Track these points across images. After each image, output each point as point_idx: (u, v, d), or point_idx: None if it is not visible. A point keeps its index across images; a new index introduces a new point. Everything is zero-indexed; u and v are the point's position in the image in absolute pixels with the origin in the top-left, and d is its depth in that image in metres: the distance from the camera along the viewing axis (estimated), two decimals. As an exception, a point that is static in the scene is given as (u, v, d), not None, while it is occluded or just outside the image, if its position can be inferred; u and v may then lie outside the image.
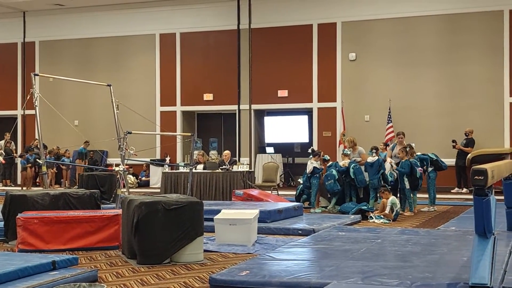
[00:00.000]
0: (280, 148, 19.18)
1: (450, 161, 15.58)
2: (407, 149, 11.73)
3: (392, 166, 11.86)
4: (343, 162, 12.27)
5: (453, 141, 16.20)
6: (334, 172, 11.82)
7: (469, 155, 15.84)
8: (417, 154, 12.07)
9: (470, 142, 16.26)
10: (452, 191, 16.15)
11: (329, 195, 12.25)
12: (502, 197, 8.08)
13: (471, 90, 16.86)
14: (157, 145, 19.38)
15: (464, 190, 15.98)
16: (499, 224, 8.48)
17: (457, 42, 17.03)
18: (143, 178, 19.81)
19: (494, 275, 5.08)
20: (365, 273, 5.68)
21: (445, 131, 16.72)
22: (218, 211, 8.50)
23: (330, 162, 12.39)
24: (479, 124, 16.62)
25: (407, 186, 11.52)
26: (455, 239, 7.86)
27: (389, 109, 17.18)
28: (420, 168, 11.71)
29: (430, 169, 12.04)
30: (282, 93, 18.74)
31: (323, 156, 12.50)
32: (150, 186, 19.13)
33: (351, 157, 12.38)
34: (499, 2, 16.59)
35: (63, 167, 19.14)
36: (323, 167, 12.28)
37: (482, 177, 4.90)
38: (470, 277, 4.88)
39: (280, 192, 15.08)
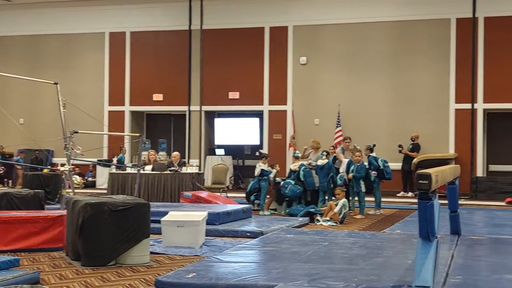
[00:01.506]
0: (231, 150, 19.16)
1: (396, 165, 15.88)
2: (357, 152, 11.92)
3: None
4: (293, 165, 12.34)
5: (400, 146, 16.49)
6: (289, 180, 11.93)
7: (415, 159, 16.15)
8: (371, 155, 12.26)
9: (415, 147, 16.58)
10: (397, 194, 16.42)
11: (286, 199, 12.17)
12: (446, 201, 8.24)
13: (419, 96, 17.19)
14: (104, 145, 19.09)
15: (410, 194, 16.28)
16: (443, 227, 8.66)
17: (405, 49, 17.35)
18: (90, 179, 19.48)
19: (437, 278, 5.18)
20: (311, 275, 5.70)
21: (392, 136, 16.99)
22: (166, 213, 8.41)
23: (301, 162, 12.38)
24: (425, 129, 16.96)
25: (363, 189, 11.70)
26: (400, 242, 7.98)
27: (338, 113, 17.36)
28: (374, 172, 11.92)
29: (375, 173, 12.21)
30: (233, 95, 18.74)
31: (294, 152, 12.56)
32: (97, 187, 18.82)
33: (314, 159, 12.50)
34: (446, 10, 16.98)
35: (19, 167, 18.51)
36: (271, 169, 12.32)
37: (427, 182, 4.97)
38: (413, 279, 4.95)
39: (229, 194, 15.05)
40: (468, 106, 16.83)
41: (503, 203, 14.89)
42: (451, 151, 16.86)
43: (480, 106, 16.78)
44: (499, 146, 17.11)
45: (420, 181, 4.99)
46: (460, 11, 16.87)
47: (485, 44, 16.72)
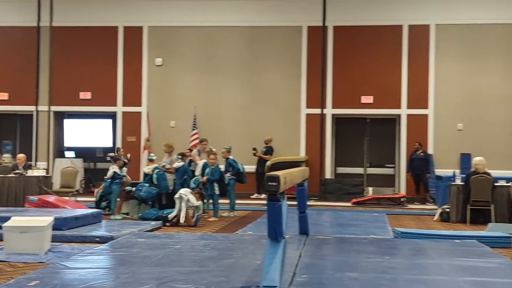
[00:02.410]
0: (82, 153, 18.50)
1: (250, 167, 16.15)
2: (213, 154, 11.97)
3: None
4: (147, 168, 12.14)
5: (254, 148, 16.80)
6: (143, 183, 11.71)
7: (268, 162, 16.52)
8: (230, 157, 12.36)
9: (269, 150, 16.99)
10: (251, 196, 16.72)
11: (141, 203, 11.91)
12: (296, 202, 8.49)
13: (272, 100, 17.62)
14: None
15: (263, 195, 16.63)
16: (292, 228, 8.91)
17: (260, 54, 17.72)
18: None
19: (284, 277, 5.30)
20: (161, 279, 5.63)
21: (247, 139, 17.26)
22: (8, 218, 7.93)
23: (155, 165, 12.12)
24: (278, 132, 17.43)
25: (217, 192, 11.75)
26: (251, 243, 8.11)
27: (195, 116, 17.36)
28: (228, 174, 12.01)
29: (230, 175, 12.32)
30: (85, 95, 18.12)
31: (149, 155, 12.28)
32: None
33: (168, 162, 12.33)
34: (298, 18, 17.56)
35: None
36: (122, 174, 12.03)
37: (275, 184, 5.06)
38: (261, 279, 5.02)
39: (79, 199, 14.50)
40: (318, 111, 17.51)
41: (349, 204, 15.65)
42: (302, 154, 17.45)
43: (329, 111, 17.52)
44: (346, 149, 17.98)
45: (269, 183, 5.07)
46: (311, 19, 17.53)
47: (334, 52, 17.50)
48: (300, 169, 8.10)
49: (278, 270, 5.05)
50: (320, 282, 5.60)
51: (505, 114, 16.72)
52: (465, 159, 16.23)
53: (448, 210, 12.33)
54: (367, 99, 17.29)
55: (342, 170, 17.96)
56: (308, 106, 17.54)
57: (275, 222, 5.18)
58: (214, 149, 12.46)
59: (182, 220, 10.50)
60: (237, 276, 5.83)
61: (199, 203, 10.84)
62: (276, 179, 5.06)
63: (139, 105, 18.00)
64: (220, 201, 12.10)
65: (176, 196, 10.77)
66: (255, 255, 6.96)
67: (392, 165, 17.77)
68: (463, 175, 12.69)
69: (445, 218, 12.26)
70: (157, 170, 11.82)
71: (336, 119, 17.87)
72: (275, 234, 5.21)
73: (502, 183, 12.23)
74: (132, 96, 18.00)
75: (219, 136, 16.78)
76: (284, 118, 17.59)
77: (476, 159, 12.35)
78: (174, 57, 17.95)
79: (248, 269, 6.22)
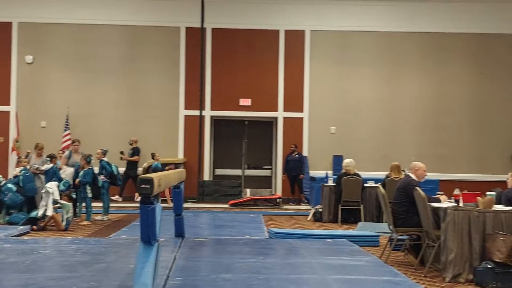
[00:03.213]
0: None
1: (121, 170, 15.84)
2: (87, 159, 11.60)
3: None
4: (16, 169, 11.58)
5: (121, 152, 16.28)
6: (10, 185, 11.07)
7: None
8: (104, 159, 12.05)
9: (136, 151, 16.64)
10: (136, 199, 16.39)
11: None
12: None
13: (151, 101, 17.39)
14: None
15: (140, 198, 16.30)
16: (168, 230, 8.84)
17: (138, 54, 17.42)
18: None
19: (157, 281, 5.22)
20: (28, 286, 5.41)
21: (123, 140, 16.86)
22: None
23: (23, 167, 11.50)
24: (157, 134, 17.24)
25: (90, 195, 11.39)
26: (125, 247, 7.94)
27: (67, 116, 16.77)
28: (102, 177, 11.69)
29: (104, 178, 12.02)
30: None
31: (87, 157, 11.67)
32: None
33: (39, 164, 11.80)
34: (177, 19, 17.46)
35: None
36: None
37: (148, 186, 4.97)
38: (133, 284, 4.92)
39: None
40: (196, 112, 17.49)
41: (227, 205, 15.76)
42: (181, 156, 17.36)
43: (208, 113, 17.55)
44: (224, 151, 18.09)
45: (142, 186, 4.98)
46: (190, 20, 17.48)
47: (212, 54, 17.56)
48: (176, 171, 8.05)
49: (150, 274, 4.96)
50: (193, 284, 5.58)
51: (375, 118, 17.52)
52: (338, 161, 16.83)
53: (321, 210, 12.74)
54: (245, 101, 17.51)
55: (220, 172, 18.05)
56: (186, 108, 17.48)
57: (148, 225, 5.08)
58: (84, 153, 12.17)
59: (49, 213, 10.15)
60: (109, 281, 5.69)
61: (69, 204, 10.51)
62: (150, 181, 4.97)
63: (7, 104, 17.12)
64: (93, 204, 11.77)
65: (43, 190, 10.44)
66: (129, 259, 6.82)
67: (269, 167, 18.10)
68: (335, 177, 13.16)
69: (318, 218, 12.66)
70: (23, 171, 11.29)
71: (215, 121, 17.95)
72: (148, 237, 5.12)
73: (371, 184, 12.80)
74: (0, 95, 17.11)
75: (93, 137, 16.33)
76: (162, 119, 17.42)
77: (346, 161, 12.85)
78: (46, 54, 17.25)
79: (120, 273, 6.08)
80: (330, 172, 15.54)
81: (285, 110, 17.53)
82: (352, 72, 17.59)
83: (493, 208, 6.68)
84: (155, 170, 14.40)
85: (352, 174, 12.44)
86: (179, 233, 8.61)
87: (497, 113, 17.50)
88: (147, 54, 17.46)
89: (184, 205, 10.71)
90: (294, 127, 17.50)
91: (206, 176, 17.50)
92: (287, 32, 17.58)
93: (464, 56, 17.55)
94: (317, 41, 17.58)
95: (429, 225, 6.98)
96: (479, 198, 6.80)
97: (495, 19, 17.45)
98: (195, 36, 17.50)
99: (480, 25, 17.46)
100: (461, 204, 6.88)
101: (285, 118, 17.55)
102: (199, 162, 17.42)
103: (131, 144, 16.62)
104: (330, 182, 13.04)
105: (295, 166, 16.68)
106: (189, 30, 17.52)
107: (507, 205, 7.04)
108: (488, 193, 6.98)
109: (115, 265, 6.59)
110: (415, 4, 17.48)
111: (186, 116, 17.48)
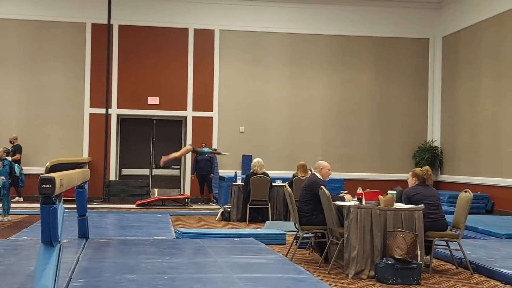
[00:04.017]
0: None
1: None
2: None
3: None
4: None
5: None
6: None
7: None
8: (7, 158, 11.60)
9: (17, 149, 16.05)
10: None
11: None
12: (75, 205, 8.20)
13: (54, 98, 16.86)
14: None
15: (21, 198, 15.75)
16: (72, 231, 8.61)
17: (41, 50, 16.87)
18: None
19: (59, 283, 5.06)
20: None
21: (26, 139, 16.32)
22: None
23: None
24: (60, 132, 16.76)
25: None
26: (26, 248, 7.66)
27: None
28: (2, 178, 11.25)
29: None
30: None
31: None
32: None
33: None
34: (82, 14, 17.01)
35: None
36: None
37: (50, 186, 4.82)
38: (33, 286, 4.75)
39: None
40: (102, 111, 17.12)
41: (134, 206, 15.52)
42: (85, 155, 16.93)
43: (114, 111, 17.22)
44: (131, 150, 17.81)
45: (43, 186, 4.82)
46: (96, 16, 17.10)
47: (119, 51, 17.24)
48: (79, 171, 7.82)
49: (51, 275, 4.81)
50: (96, 286, 5.46)
51: (282, 118, 17.77)
52: (247, 160, 16.96)
53: (229, 209, 12.78)
54: (153, 100, 17.31)
55: (127, 171, 17.75)
56: (92, 106, 17.08)
57: (49, 226, 4.93)
58: None
59: None
60: (8, 284, 5.47)
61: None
62: (51, 181, 4.82)
63: None
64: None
65: None
66: (29, 261, 6.57)
67: (178, 167, 17.98)
68: (244, 176, 13.25)
69: (226, 217, 12.70)
70: None
71: (122, 119, 17.63)
72: (50, 238, 4.96)
73: (278, 183, 12.97)
74: None
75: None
76: (66, 117, 16.93)
77: (254, 161, 12.97)
78: None
79: (20, 276, 5.86)
80: (239, 172, 15.63)
81: (194, 109, 17.48)
82: (261, 73, 17.76)
83: (394, 206, 6.93)
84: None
85: (260, 174, 12.56)
86: (83, 234, 8.40)
87: (398, 114, 18.18)
88: (51, 50, 16.93)
89: (89, 206, 10.47)
90: (203, 126, 17.47)
91: (112, 176, 17.17)
92: (197, 31, 17.53)
93: (367, 59, 18.13)
94: (226, 41, 17.62)
95: (333, 223, 7.15)
96: (380, 196, 7.03)
97: (396, 23, 18.14)
98: (102, 32, 17.13)
99: (382, 29, 18.10)
100: (363, 203, 7.08)
101: (194, 117, 17.49)
102: (105, 161, 17.06)
103: (12, 142, 16.00)
104: (239, 182, 13.11)
105: (205, 166, 16.62)
106: (95, 26, 17.13)
107: (406, 203, 7.32)
108: (389, 191, 7.22)
109: (15, 267, 6.34)
110: (321, 8, 17.87)
111: (92, 115, 17.08)
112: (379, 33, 18.10)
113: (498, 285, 6.48)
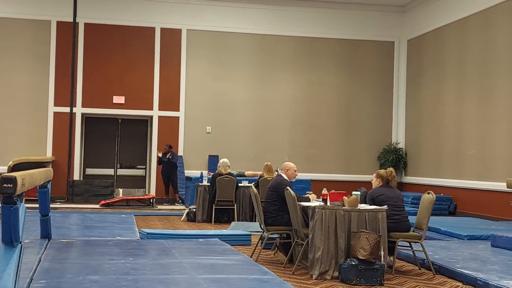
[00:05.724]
0: None
1: None
2: None
3: None
4: None
5: None
6: None
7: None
8: None
9: None
10: None
11: None
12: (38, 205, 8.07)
13: (17, 97, 16.60)
14: None
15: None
16: (34, 231, 8.48)
17: (3, 48, 16.57)
18: None
19: (20, 284, 4.99)
20: None
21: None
22: None
23: None
24: (23, 131, 16.51)
25: None
26: (-14, 249, 7.50)
27: None
28: None
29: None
30: None
31: None
32: None
33: None
34: (47, 12, 16.76)
35: None
36: None
37: (11, 185, 4.76)
38: (-7, 288, 4.68)
39: None
40: (67, 109, 16.91)
41: (98, 206, 15.35)
42: (49, 154, 16.70)
43: (79, 110, 17.02)
44: (96, 150, 17.61)
45: (4, 185, 4.76)
46: (61, 14, 16.88)
47: (85, 49, 17.05)
48: (41, 170, 7.70)
49: (12, 276, 4.74)
50: (58, 287, 5.38)
51: (249, 118, 17.78)
52: (213, 160, 16.93)
53: (194, 210, 12.73)
54: (119, 99, 17.16)
55: (91, 171, 17.55)
56: (56, 104, 16.85)
57: (10, 226, 4.86)
58: None
59: None
60: (-34, 286, 5.35)
61: None
62: (12, 180, 4.76)
63: None
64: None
65: None
66: (-12, 262, 6.45)
67: (143, 166, 17.85)
68: (210, 176, 13.22)
69: (191, 218, 12.65)
70: None
71: (86, 118, 17.44)
72: (10, 238, 4.90)
73: (245, 183, 12.97)
74: None
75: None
76: (29, 116, 16.67)
77: (220, 161, 12.96)
78: None
79: (-21, 277, 5.73)
80: (205, 172, 15.59)
81: (160, 109, 17.37)
82: (227, 73, 17.74)
83: (358, 207, 6.98)
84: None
85: (226, 174, 12.54)
86: (45, 234, 8.27)
87: (363, 116, 18.35)
88: (14, 48, 16.65)
89: (52, 206, 10.34)
90: (169, 126, 17.38)
91: (76, 176, 16.96)
92: (163, 30, 17.43)
93: (333, 61, 18.25)
94: (193, 41, 17.56)
95: (298, 224, 7.18)
96: (345, 197, 7.07)
97: (362, 26, 18.30)
98: (67, 30, 16.92)
99: (348, 32, 18.25)
100: (328, 203, 7.12)
101: (160, 117, 17.38)
102: (69, 161, 16.85)
103: None
104: (205, 182, 13.07)
105: (170, 166, 16.51)
106: (60, 24, 16.91)
107: (370, 204, 7.38)
108: (353, 192, 7.28)
109: (-26, 269, 6.21)
110: (288, 9, 17.94)
111: (56, 113, 16.85)
112: (345, 36, 18.24)
113: (459, 286, 6.58)
